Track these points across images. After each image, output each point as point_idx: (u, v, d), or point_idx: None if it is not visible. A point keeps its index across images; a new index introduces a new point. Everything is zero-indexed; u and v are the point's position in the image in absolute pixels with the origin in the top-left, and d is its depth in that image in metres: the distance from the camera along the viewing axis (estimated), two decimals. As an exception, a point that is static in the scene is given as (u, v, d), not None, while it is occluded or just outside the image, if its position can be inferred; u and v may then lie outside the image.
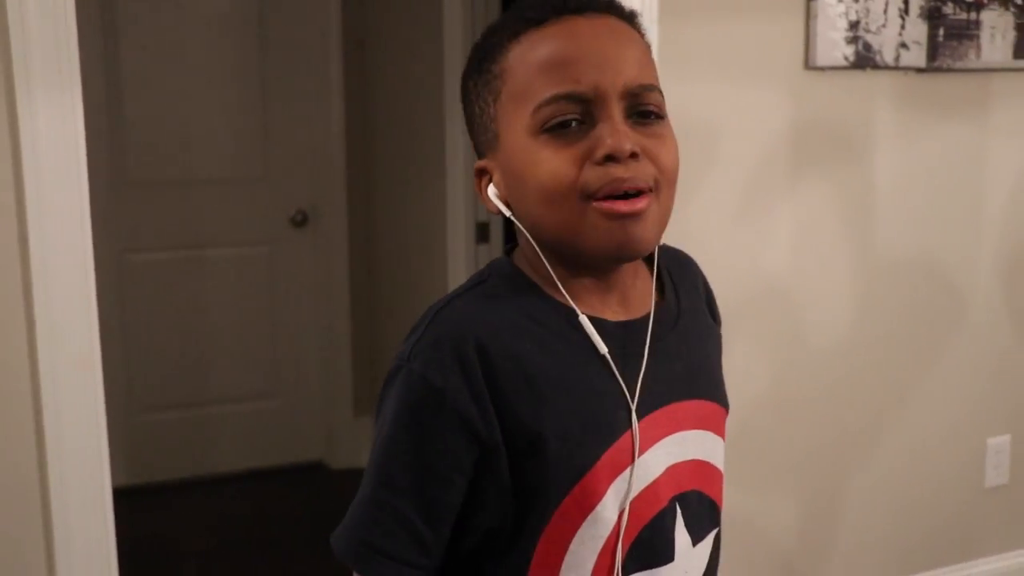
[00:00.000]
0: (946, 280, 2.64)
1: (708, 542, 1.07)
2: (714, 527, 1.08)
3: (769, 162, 2.39)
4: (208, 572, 3.28)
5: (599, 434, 0.98)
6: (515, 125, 0.97)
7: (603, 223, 0.94)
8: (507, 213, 1.01)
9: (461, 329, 0.98)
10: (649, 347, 1.02)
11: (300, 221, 3.95)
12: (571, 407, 0.97)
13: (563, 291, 1.00)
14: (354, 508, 1.02)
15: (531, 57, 0.97)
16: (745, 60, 2.32)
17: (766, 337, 2.46)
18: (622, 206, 0.94)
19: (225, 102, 3.83)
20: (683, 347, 1.07)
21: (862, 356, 2.56)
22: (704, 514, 1.06)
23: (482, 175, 1.03)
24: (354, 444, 4.06)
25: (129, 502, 3.56)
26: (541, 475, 0.97)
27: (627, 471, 0.98)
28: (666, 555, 1.02)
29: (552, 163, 0.94)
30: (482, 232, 3.21)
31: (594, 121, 0.94)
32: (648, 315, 1.04)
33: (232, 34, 3.81)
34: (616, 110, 0.95)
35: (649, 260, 1.09)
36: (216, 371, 3.92)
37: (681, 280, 1.12)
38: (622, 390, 0.99)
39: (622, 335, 1.01)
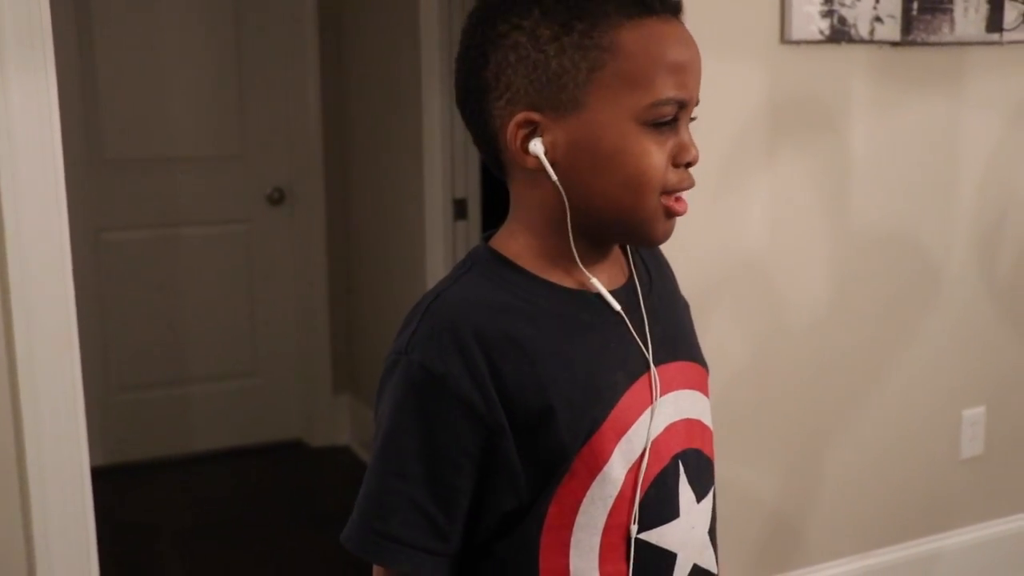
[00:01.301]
0: (921, 253, 2.65)
1: (710, 499, 1.11)
2: (712, 484, 1.13)
3: (745, 137, 2.39)
4: (187, 551, 3.28)
5: (601, 397, 1.01)
6: (619, 105, 0.98)
7: (663, 218, 1.02)
8: (552, 174, 1.00)
9: (456, 317, 1.00)
10: (631, 311, 1.06)
11: (277, 199, 3.94)
12: (572, 375, 1.00)
13: (579, 262, 1.04)
14: (362, 503, 1.02)
15: (655, 50, 0.99)
16: (721, 34, 2.32)
17: (743, 312, 2.47)
18: (682, 208, 1.03)
19: (201, 80, 3.80)
20: (661, 312, 1.11)
21: (839, 329, 2.57)
22: (704, 471, 1.11)
23: (524, 127, 1.00)
24: (333, 422, 4.07)
25: (107, 482, 3.56)
26: (553, 446, 0.99)
27: (630, 431, 1.02)
28: (672, 512, 1.05)
29: (655, 157, 1.00)
30: (460, 209, 3.21)
31: (678, 127, 1.02)
32: (626, 284, 1.09)
33: (208, 11, 3.78)
34: (688, 119, 1.04)
35: None
36: (194, 350, 3.92)
37: (648, 258, 1.17)
38: (616, 351, 1.04)
39: (623, 299, 1.06)
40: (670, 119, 1.00)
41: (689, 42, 1.02)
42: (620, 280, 1.09)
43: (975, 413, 2.81)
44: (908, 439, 2.72)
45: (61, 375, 1.83)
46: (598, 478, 1.00)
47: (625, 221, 1.02)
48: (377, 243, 3.80)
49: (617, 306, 1.04)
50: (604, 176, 1.00)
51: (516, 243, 1.05)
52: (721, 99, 2.35)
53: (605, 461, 1.00)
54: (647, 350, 1.05)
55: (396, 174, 3.55)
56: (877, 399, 2.66)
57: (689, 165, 1.03)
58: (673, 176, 1.01)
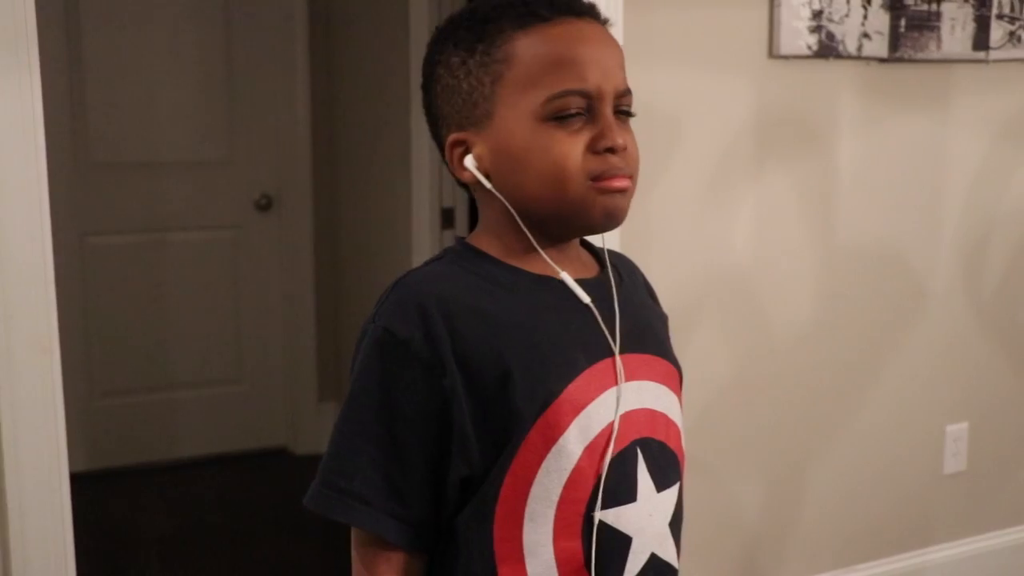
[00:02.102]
0: (906, 268, 2.66)
1: (673, 492, 1.13)
2: (678, 479, 1.14)
3: (732, 151, 2.40)
4: (170, 558, 3.26)
5: (559, 369, 1.05)
6: (519, 108, 1.06)
7: (600, 197, 1.06)
8: (486, 183, 1.09)
9: (423, 289, 1.06)
10: (597, 302, 1.11)
11: (265, 205, 3.93)
12: (531, 347, 1.05)
13: (543, 254, 1.10)
14: (325, 462, 1.07)
15: (542, 51, 1.06)
16: (709, 49, 2.33)
17: (728, 324, 2.47)
18: (616, 182, 1.06)
19: (189, 85, 3.80)
20: (631, 310, 1.15)
21: (823, 343, 2.58)
22: (668, 464, 1.13)
23: (457, 146, 1.10)
24: (318, 430, 4.05)
25: (90, 487, 3.54)
26: (507, 413, 1.03)
27: (585, 412, 1.05)
28: (629, 495, 1.07)
29: (564, 147, 1.05)
30: (447, 217, 3.21)
31: (594, 116, 1.06)
32: (596, 277, 1.15)
33: (197, 16, 3.78)
34: (609, 109, 1.07)
35: (587, 246, 1.20)
36: (179, 356, 3.90)
37: (620, 264, 1.22)
38: (578, 333, 1.08)
39: (590, 289, 1.11)
40: (576, 111, 1.05)
41: (590, 38, 1.08)
42: (589, 274, 1.14)
43: (958, 429, 2.81)
44: (891, 454, 2.72)
45: (41, 380, 1.81)
46: (553, 450, 1.03)
47: (558, 212, 1.07)
48: (364, 250, 3.80)
49: (580, 291, 1.09)
50: (524, 174, 1.07)
51: (485, 241, 1.13)
52: (708, 113, 2.36)
53: (560, 433, 1.04)
54: (612, 338, 1.09)
55: (384, 182, 3.55)
56: (860, 414, 2.66)
57: (611, 151, 1.06)
58: (595, 163, 1.06)
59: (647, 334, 1.16)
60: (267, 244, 3.97)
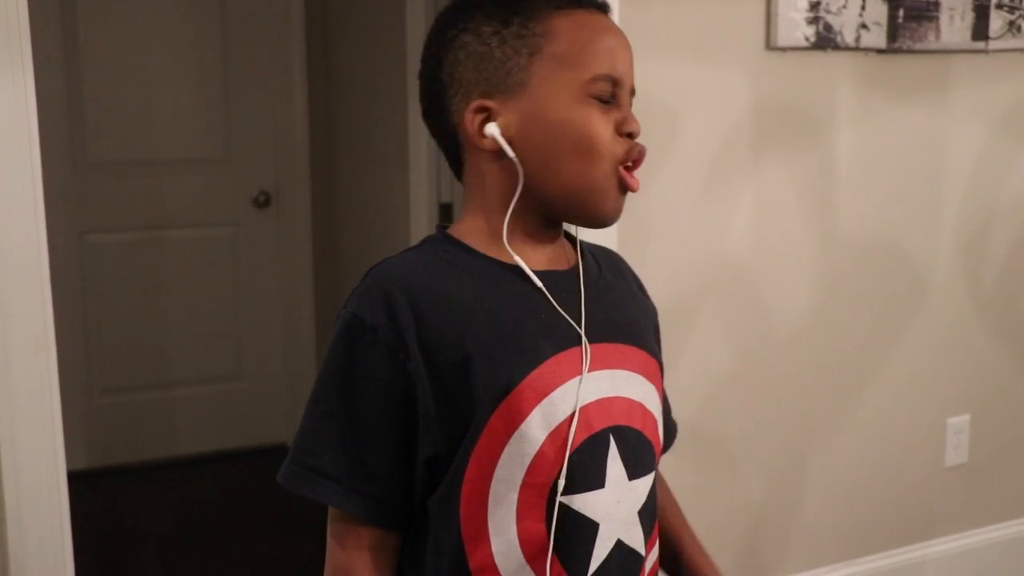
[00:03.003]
0: (907, 260, 2.65)
1: (646, 481, 1.14)
2: (652, 469, 1.16)
3: (731, 143, 2.39)
4: (171, 555, 3.26)
5: (522, 357, 1.07)
6: (558, 81, 1.10)
7: (616, 191, 1.11)
8: (508, 151, 1.10)
9: (391, 276, 1.10)
10: (566, 292, 1.13)
11: (263, 202, 3.93)
12: (494, 332, 1.07)
13: (506, 242, 1.12)
14: (296, 441, 1.10)
15: (583, 34, 1.11)
16: (706, 41, 2.32)
17: (728, 317, 2.46)
18: (634, 184, 1.12)
19: (187, 82, 3.79)
20: (606, 299, 1.18)
21: (823, 337, 2.57)
22: (642, 452, 1.14)
23: (480, 112, 1.12)
24: (318, 426, 4.05)
25: (91, 485, 3.55)
26: (469, 396, 1.05)
27: (549, 399, 1.07)
28: (596, 481, 1.09)
29: (599, 125, 1.10)
30: (445, 213, 3.20)
31: (618, 103, 1.11)
32: (569, 270, 1.16)
33: (193, 13, 3.77)
34: (629, 99, 1.13)
35: (571, 239, 1.22)
36: (178, 353, 3.90)
37: (603, 259, 1.25)
38: (545, 322, 1.10)
39: (552, 279, 1.13)
40: (607, 97, 1.10)
41: (616, 31, 1.14)
42: (563, 265, 1.16)
43: (960, 421, 2.81)
44: (892, 447, 2.72)
45: (38, 378, 1.81)
46: (515, 435, 1.05)
47: (579, 191, 1.11)
48: (362, 247, 3.79)
49: (533, 276, 1.11)
50: (556, 144, 1.10)
51: (466, 224, 1.15)
52: (706, 106, 2.35)
53: (522, 419, 1.05)
54: (579, 326, 1.11)
55: (382, 177, 3.54)
56: (861, 407, 2.66)
57: (632, 136, 1.11)
58: (620, 145, 1.10)
59: (625, 326, 1.17)
60: (265, 241, 3.96)
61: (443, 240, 1.15)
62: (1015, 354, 2.86)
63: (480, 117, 1.11)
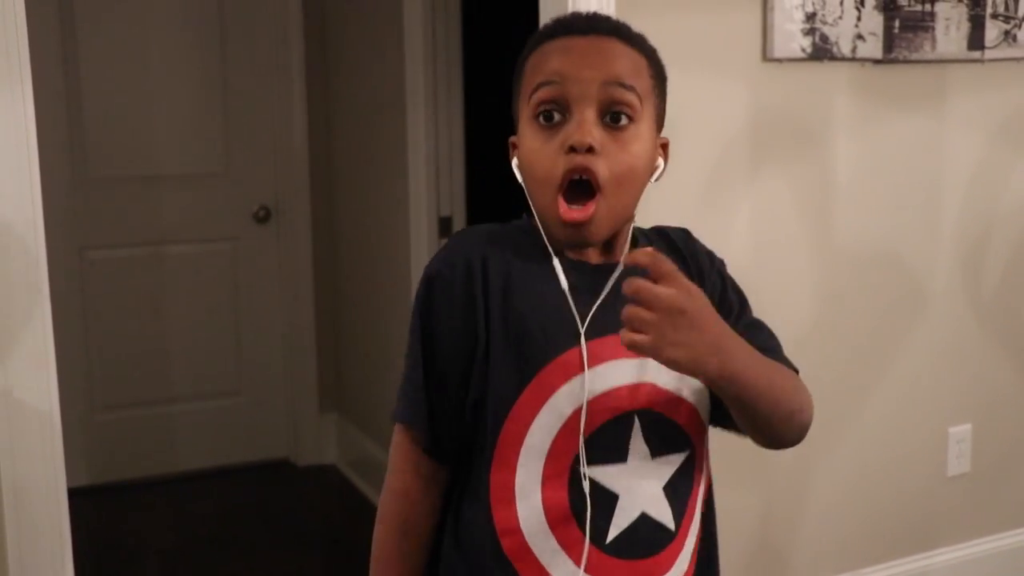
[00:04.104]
0: (906, 270, 2.65)
1: (671, 461, 1.21)
2: (680, 452, 1.22)
3: (729, 154, 2.39)
4: (173, 571, 3.26)
5: (554, 340, 1.17)
6: (523, 113, 1.20)
7: (560, 219, 1.16)
8: (520, 180, 1.22)
9: (471, 245, 1.21)
10: (613, 285, 1.19)
11: (263, 217, 3.93)
12: (538, 316, 1.18)
13: (546, 241, 1.20)
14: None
15: (537, 60, 1.19)
16: (703, 52, 2.33)
17: (727, 329, 2.46)
18: (575, 214, 1.15)
19: (186, 97, 3.80)
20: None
21: (823, 347, 2.57)
22: (669, 435, 1.21)
23: (513, 148, 1.24)
24: (319, 441, 4.05)
25: (92, 502, 3.54)
26: (514, 366, 1.17)
27: (580, 376, 1.16)
28: (618, 456, 1.18)
29: (538, 143, 1.17)
30: (445, 227, 3.20)
31: (572, 117, 1.15)
32: (602, 264, 1.23)
33: (192, 28, 3.78)
34: (589, 110, 1.14)
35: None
36: (179, 368, 3.90)
37: (663, 246, 1.33)
38: (573, 315, 1.18)
39: (592, 272, 1.21)
40: (552, 110, 1.15)
41: (576, 46, 1.17)
42: (618, 257, 1.23)
43: (962, 430, 2.80)
44: (894, 457, 2.72)
45: (38, 394, 1.81)
46: (545, 406, 1.16)
47: (540, 218, 1.20)
48: (363, 261, 3.80)
49: (561, 275, 1.19)
50: (526, 174, 1.20)
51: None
52: (703, 117, 2.35)
53: (551, 393, 1.16)
54: (580, 320, 1.18)
55: (381, 192, 3.55)
56: (863, 417, 2.65)
57: (573, 149, 1.13)
58: (560, 162, 1.14)
59: None
60: (266, 255, 3.97)
61: (519, 224, 1.26)
62: (1016, 363, 2.86)
63: (513, 151, 1.24)
